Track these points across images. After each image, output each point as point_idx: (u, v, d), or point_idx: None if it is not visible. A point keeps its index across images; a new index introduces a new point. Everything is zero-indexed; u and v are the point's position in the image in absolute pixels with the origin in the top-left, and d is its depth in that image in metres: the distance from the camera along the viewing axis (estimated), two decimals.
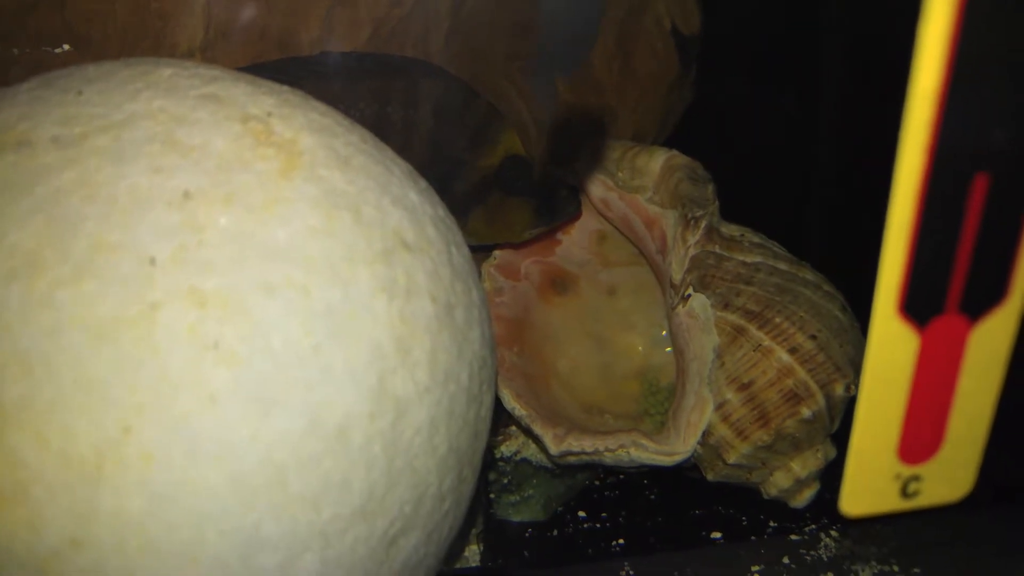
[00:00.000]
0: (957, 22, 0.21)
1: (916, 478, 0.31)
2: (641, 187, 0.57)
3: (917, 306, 0.26)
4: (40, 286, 0.29)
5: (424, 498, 0.34)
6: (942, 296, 0.26)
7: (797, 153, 0.73)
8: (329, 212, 0.32)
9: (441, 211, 0.38)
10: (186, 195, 0.31)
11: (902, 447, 0.30)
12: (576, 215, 0.58)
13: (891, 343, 0.27)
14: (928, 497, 0.32)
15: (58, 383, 0.28)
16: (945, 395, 0.29)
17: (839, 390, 0.47)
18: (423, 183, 0.38)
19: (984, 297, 0.27)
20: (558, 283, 0.63)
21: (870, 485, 0.31)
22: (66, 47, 0.52)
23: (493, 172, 0.54)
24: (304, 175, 0.33)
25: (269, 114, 0.34)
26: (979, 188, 0.24)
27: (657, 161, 0.58)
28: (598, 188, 0.59)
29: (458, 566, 0.48)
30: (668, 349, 0.62)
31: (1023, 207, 0.25)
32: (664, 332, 0.63)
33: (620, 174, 0.59)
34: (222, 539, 0.29)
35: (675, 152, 0.58)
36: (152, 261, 0.30)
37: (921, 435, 0.30)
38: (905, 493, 0.31)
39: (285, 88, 0.38)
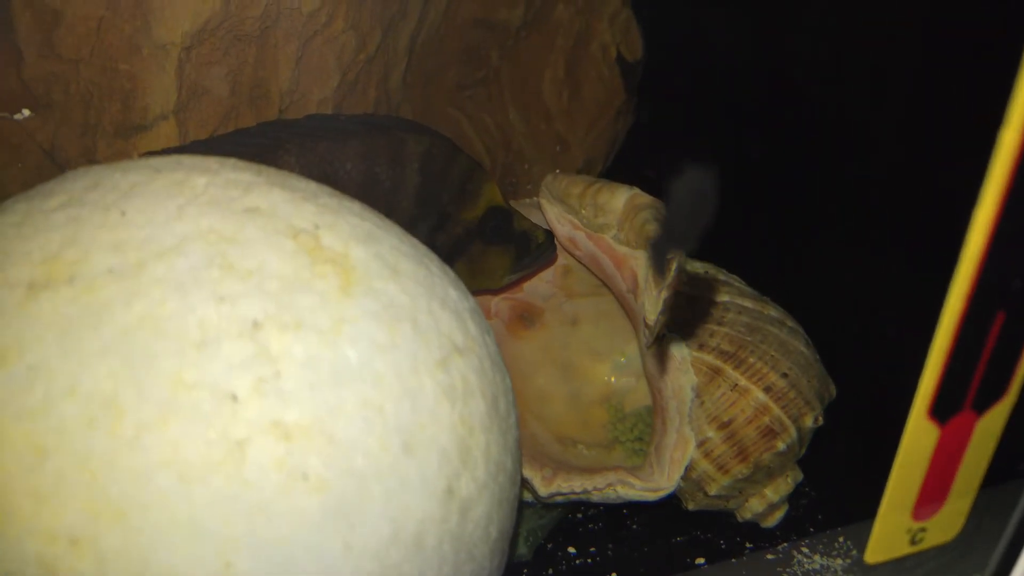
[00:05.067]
0: (1001, 207, 0.25)
1: (922, 530, 0.37)
2: (606, 225, 0.60)
3: (942, 410, 0.31)
4: (124, 431, 0.29)
5: None
6: (962, 401, 0.31)
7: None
8: (391, 325, 0.33)
9: (472, 301, 0.40)
10: (255, 325, 0.31)
11: (915, 510, 0.36)
12: (552, 260, 0.60)
13: (919, 439, 0.32)
14: (929, 542, 0.38)
15: (154, 526, 0.29)
16: (952, 468, 0.35)
17: (808, 422, 0.52)
18: (451, 273, 0.40)
19: (990, 396, 0.32)
20: (526, 317, 0.66)
21: (888, 539, 0.36)
22: (26, 112, 0.50)
23: (476, 223, 0.55)
24: (362, 290, 0.34)
25: (316, 226, 0.35)
26: (998, 322, 0.29)
27: (619, 199, 0.61)
28: (565, 227, 0.62)
29: None
30: (634, 379, 0.66)
31: None
32: (624, 359, 0.67)
33: (584, 212, 0.61)
34: None
35: (637, 191, 0.61)
36: (233, 397, 0.30)
37: (930, 500, 0.36)
38: (912, 541, 0.37)
39: (312, 185, 0.38)
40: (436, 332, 0.35)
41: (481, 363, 0.37)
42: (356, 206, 0.38)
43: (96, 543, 0.28)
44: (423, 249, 0.39)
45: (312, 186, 0.38)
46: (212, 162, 0.37)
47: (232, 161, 0.38)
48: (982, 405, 0.32)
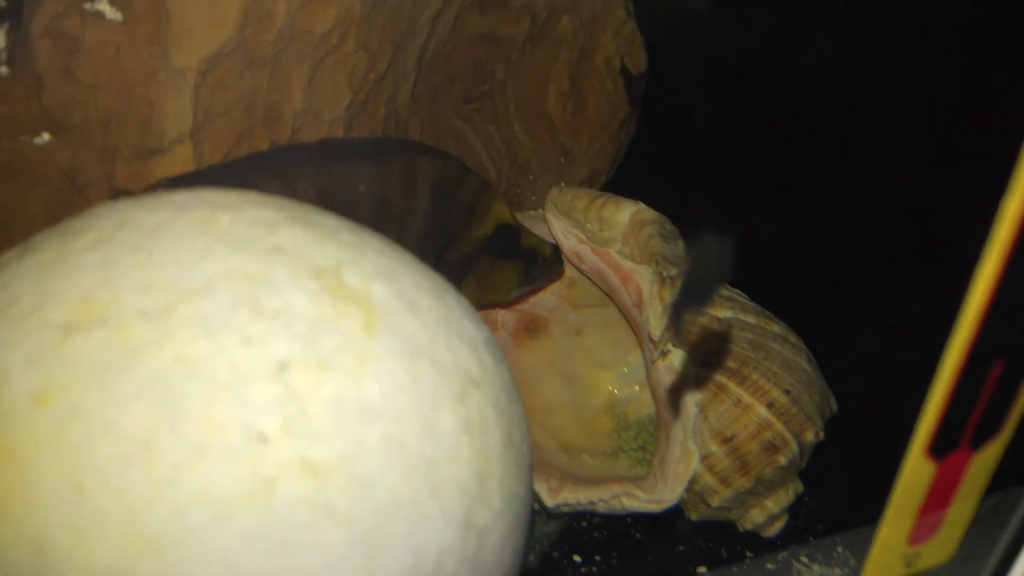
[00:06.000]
0: (1003, 271, 0.26)
1: (916, 554, 0.39)
2: (611, 239, 0.61)
3: (939, 448, 0.33)
4: (159, 469, 0.30)
5: None
6: (958, 440, 0.33)
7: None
8: (411, 363, 0.35)
9: (486, 331, 0.41)
10: (282, 366, 0.32)
11: (910, 537, 0.37)
12: (559, 275, 0.61)
13: (916, 474, 0.33)
14: (922, 564, 0.39)
15: (188, 562, 0.30)
16: (946, 499, 0.36)
17: (809, 437, 0.54)
18: (466, 302, 0.41)
19: (986, 435, 0.33)
20: (532, 328, 0.67)
21: (884, 564, 0.38)
22: (46, 136, 0.50)
23: (485, 241, 0.57)
24: (384, 328, 0.35)
25: (339, 264, 0.36)
26: (996, 370, 0.30)
27: (624, 213, 0.62)
28: (571, 241, 0.63)
29: None
30: (637, 388, 0.67)
31: (1021, 378, 0.31)
32: (627, 369, 0.68)
33: (588, 225, 0.62)
34: None
35: (641, 206, 0.62)
36: (262, 437, 0.31)
37: (924, 527, 0.37)
38: (907, 565, 0.39)
39: (333, 220, 0.39)
40: (454, 367, 0.36)
41: (497, 395, 0.38)
42: (376, 241, 0.39)
43: None
44: (440, 281, 0.40)
45: (333, 221, 0.39)
46: (234, 198, 0.38)
47: (254, 196, 0.39)
48: (978, 443, 0.33)
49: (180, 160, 0.52)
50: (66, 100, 0.50)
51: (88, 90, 0.50)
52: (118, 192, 0.50)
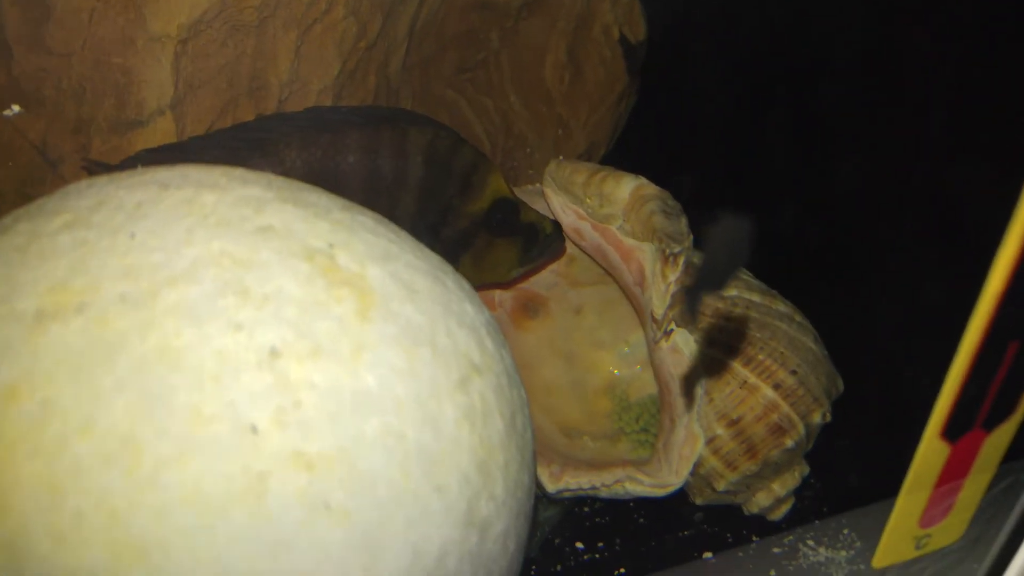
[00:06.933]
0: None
1: (927, 535, 0.38)
2: (611, 215, 0.59)
3: (954, 430, 0.31)
4: (143, 468, 0.28)
5: None
6: (973, 421, 0.31)
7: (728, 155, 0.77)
8: (410, 350, 0.33)
9: (487, 314, 0.39)
10: (273, 353, 0.30)
11: (922, 519, 0.36)
12: (561, 252, 0.59)
13: (931, 457, 0.32)
14: (932, 546, 0.39)
15: (177, 564, 0.28)
16: (959, 480, 0.35)
17: (816, 418, 0.52)
18: (466, 284, 0.39)
19: (999, 416, 0.32)
20: (530, 307, 0.65)
21: (895, 546, 0.37)
22: (16, 108, 0.48)
23: (481, 216, 0.54)
24: (381, 314, 0.33)
25: (331, 245, 0.34)
26: (1011, 350, 0.29)
27: (625, 188, 0.60)
28: (570, 217, 0.61)
29: None
30: (638, 368, 0.65)
31: None
32: (627, 348, 0.67)
33: (588, 201, 0.60)
34: None
35: (642, 180, 0.60)
36: (253, 429, 0.29)
37: (936, 510, 0.36)
38: (918, 546, 0.38)
39: (324, 197, 0.37)
40: (454, 352, 0.34)
41: (499, 380, 0.36)
42: (369, 220, 0.37)
43: None
44: (437, 262, 0.38)
45: (324, 199, 0.37)
46: (220, 175, 0.36)
47: (240, 173, 0.37)
48: (991, 424, 0.32)
49: (161, 133, 0.49)
50: (37, 70, 0.47)
51: (60, 59, 0.47)
52: (94, 167, 0.47)
